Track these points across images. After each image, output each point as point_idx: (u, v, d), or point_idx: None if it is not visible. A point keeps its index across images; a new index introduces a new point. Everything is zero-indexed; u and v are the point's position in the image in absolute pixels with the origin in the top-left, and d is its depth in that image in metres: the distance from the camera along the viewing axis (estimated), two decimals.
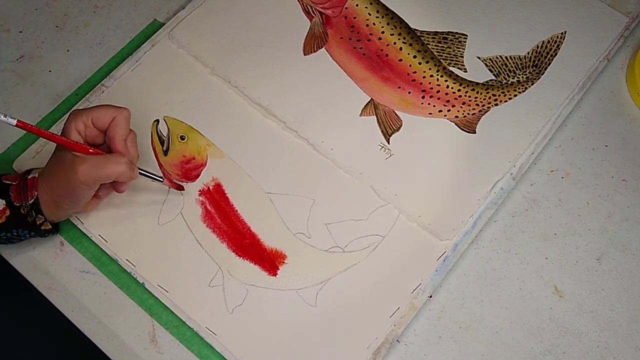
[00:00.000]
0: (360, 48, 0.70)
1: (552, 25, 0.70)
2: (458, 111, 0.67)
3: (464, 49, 0.69)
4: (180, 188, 0.63)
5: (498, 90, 0.67)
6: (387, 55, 0.69)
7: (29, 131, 0.53)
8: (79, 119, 0.55)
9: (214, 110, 0.67)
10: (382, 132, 0.66)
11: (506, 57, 0.69)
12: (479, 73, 0.68)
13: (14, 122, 0.51)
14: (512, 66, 0.68)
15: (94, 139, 0.57)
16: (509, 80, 0.68)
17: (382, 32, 0.70)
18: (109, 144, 0.57)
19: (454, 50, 0.69)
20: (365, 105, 0.67)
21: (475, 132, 0.66)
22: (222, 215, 0.62)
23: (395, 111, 0.67)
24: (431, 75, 0.68)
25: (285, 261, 0.61)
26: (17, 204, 0.56)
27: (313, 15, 0.72)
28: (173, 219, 0.62)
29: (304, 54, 0.70)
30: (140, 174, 0.58)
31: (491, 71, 0.68)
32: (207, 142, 0.65)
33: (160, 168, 0.64)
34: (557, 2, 0.71)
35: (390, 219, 0.62)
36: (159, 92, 0.68)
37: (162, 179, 0.61)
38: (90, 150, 0.55)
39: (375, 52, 0.69)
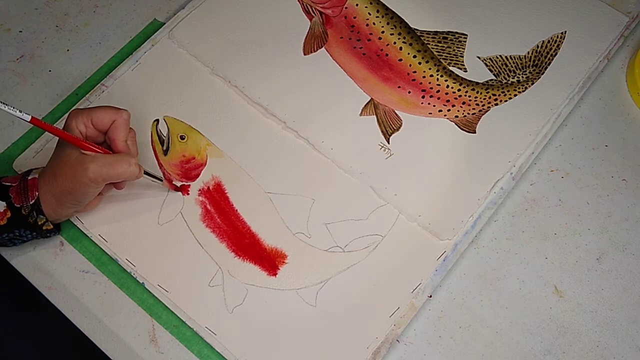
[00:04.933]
0: (360, 48, 0.70)
1: (552, 25, 0.70)
2: (458, 111, 0.67)
3: (464, 49, 0.69)
4: (177, 190, 0.63)
5: (498, 90, 0.67)
6: (387, 55, 0.69)
7: (41, 127, 0.53)
8: (79, 119, 0.55)
9: (214, 110, 0.67)
10: (382, 131, 0.66)
11: (506, 57, 0.69)
12: (479, 73, 0.68)
13: (28, 118, 0.51)
14: (512, 66, 0.68)
15: (95, 139, 0.57)
16: (509, 80, 0.68)
17: (382, 32, 0.70)
18: (110, 145, 0.57)
19: (454, 50, 0.69)
20: (365, 105, 0.67)
21: (475, 132, 0.66)
22: (222, 215, 0.62)
23: (395, 111, 0.67)
24: (431, 75, 0.68)
25: (285, 261, 0.61)
26: (18, 205, 0.56)
27: (313, 14, 0.72)
28: (173, 218, 0.62)
29: (304, 54, 0.70)
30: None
31: (491, 71, 0.68)
32: (207, 141, 0.65)
33: (160, 168, 0.64)
34: (557, 2, 0.71)
35: (390, 219, 0.62)
36: (159, 92, 0.68)
37: (161, 180, 0.62)
38: (99, 150, 0.55)
39: (375, 52, 0.69)
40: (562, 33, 0.70)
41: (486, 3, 0.72)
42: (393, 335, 0.58)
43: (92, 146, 0.55)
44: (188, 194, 0.63)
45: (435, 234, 0.61)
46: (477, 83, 0.68)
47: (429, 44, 0.70)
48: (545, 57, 0.69)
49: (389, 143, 0.65)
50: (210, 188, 0.63)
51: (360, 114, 0.67)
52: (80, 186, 0.55)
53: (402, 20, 0.71)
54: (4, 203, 0.56)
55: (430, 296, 0.60)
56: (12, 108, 0.50)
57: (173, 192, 0.63)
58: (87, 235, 0.62)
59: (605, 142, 0.66)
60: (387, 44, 0.70)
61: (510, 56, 0.69)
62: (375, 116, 0.67)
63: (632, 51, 0.70)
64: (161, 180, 0.62)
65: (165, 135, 0.66)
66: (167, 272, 0.60)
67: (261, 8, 0.72)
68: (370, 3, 0.71)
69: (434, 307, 0.60)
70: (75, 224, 0.62)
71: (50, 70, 0.71)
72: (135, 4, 0.74)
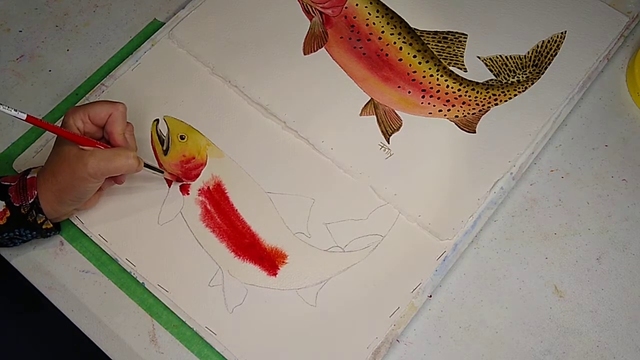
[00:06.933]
0: (360, 48, 0.70)
1: (552, 25, 0.70)
2: (458, 111, 0.67)
3: (464, 49, 0.69)
4: (179, 180, 0.63)
5: (498, 90, 0.67)
6: (387, 54, 0.69)
7: (38, 125, 0.53)
8: (77, 115, 0.56)
9: (214, 109, 0.67)
10: (382, 131, 0.66)
11: (506, 57, 0.69)
12: (479, 73, 0.68)
13: (24, 116, 0.51)
14: (512, 66, 0.68)
15: (93, 135, 0.57)
16: (509, 80, 0.68)
17: (382, 32, 0.70)
18: (108, 139, 0.57)
19: (454, 50, 0.69)
20: (365, 105, 0.67)
21: (475, 132, 0.66)
22: (221, 214, 0.62)
23: (395, 111, 0.67)
24: (431, 75, 0.68)
25: (285, 261, 0.61)
26: (17, 204, 0.56)
27: (313, 14, 0.72)
28: (173, 218, 0.62)
29: (304, 54, 0.70)
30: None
31: (491, 71, 0.68)
32: (207, 141, 0.65)
33: (160, 167, 0.64)
34: (557, 2, 0.71)
35: (390, 219, 0.62)
36: (159, 92, 0.68)
37: (162, 172, 0.62)
38: (98, 145, 0.56)
39: (375, 52, 0.69)
40: (562, 33, 0.70)
41: (486, 3, 0.72)
42: (393, 335, 0.58)
43: (90, 141, 0.55)
44: (188, 193, 0.63)
45: (435, 234, 0.61)
46: (477, 83, 0.68)
47: (429, 43, 0.70)
48: (545, 57, 0.69)
49: (389, 143, 0.65)
50: (210, 188, 0.63)
51: (360, 114, 0.67)
52: (80, 182, 0.55)
53: (402, 20, 0.71)
54: (3, 202, 0.56)
55: (430, 296, 0.60)
56: (7, 107, 0.50)
57: (173, 192, 0.63)
58: (87, 235, 0.62)
59: (605, 142, 0.66)
60: (387, 44, 0.70)
61: (510, 56, 0.69)
62: (375, 116, 0.67)
63: (632, 51, 0.70)
64: (162, 172, 0.62)
65: (165, 135, 0.66)
66: (167, 272, 0.60)
67: (261, 8, 0.72)
68: (370, 3, 0.71)
69: (434, 307, 0.60)
70: (75, 223, 0.62)
71: (50, 70, 0.71)
72: (135, 4, 0.74)
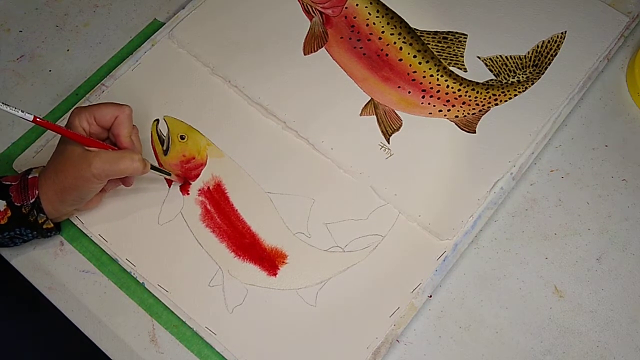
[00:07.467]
0: (360, 48, 0.70)
1: (552, 25, 0.70)
2: (458, 111, 0.67)
3: (464, 49, 0.69)
4: (187, 181, 0.63)
5: (498, 90, 0.67)
6: (387, 54, 0.69)
7: (44, 126, 0.53)
8: (82, 116, 0.56)
9: (214, 109, 0.67)
10: (382, 131, 0.66)
11: (506, 57, 0.69)
12: (479, 73, 0.68)
13: (31, 117, 0.51)
14: (512, 66, 0.68)
15: (98, 136, 0.57)
16: (509, 80, 0.68)
17: (382, 32, 0.70)
18: (114, 141, 0.57)
19: (454, 50, 0.69)
20: (365, 105, 0.67)
21: (475, 132, 0.66)
22: (222, 215, 0.62)
23: (395, 111, 0.67)
24: (431, 75, 0.68)
25: (285, 261, 0.61)
26: (18, 204, 0.56)
27: (313, 14, 0.72)
28: (173, 218, 0.62)
29: (304, 54, 0.70)
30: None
31: (491, 71, 0.68)
32: (207, 141, 0.66)
33: (160, 167, 0.64)
34: (557, 2, 0.71)
35: (390, 219, 0.62)
36: (159, 92, 0.68)
37: (169, 174, 0.62)
38: (104, 147, 0.55)
39: (375, 52, 0.69)
40: (562, 33, 0.70)
41: (486, 3, 0.72)
42: (393, 335, 0.58)
43: (97, 142, 0.55)
44: (188, 193, 0.63)
45: (435, 234, 0.61)
46: (477, 83, 0.68)
47: (429, 44, 0.70)
48: (545, 57, 0.69)
49: (389, 143, 0.65)
50: (210, 188, 0.63)
51: (360, 114, 0.67)
52: (84, 182, 0.55)
53: (402, 20, 0.71)
54: (4, 202, 0.56)
55: (430, 296, 0.60)
56: (14, 108, 0.51)
57: (173, 193, 0.63)
58: (87, 235, 0.62)
59: (605, 142, 0.66)
60: (387, 44, 0.70)
61: (510, 56, 0.69)
62: (375, 116, 0.67)
63: (632, 51, 0.70)
64: (169, 175, 0.62)
65: (165, 135, 0.66)
66: (167, 272, 0.60)
67: (261, 8, 0.72)
68: (370, 3, 0.71)
69: (434, 307, 0.60)
70: (75, 223, 0.62)
71: (50, 70, 0.71)
72: (135, 4, 0.74)
